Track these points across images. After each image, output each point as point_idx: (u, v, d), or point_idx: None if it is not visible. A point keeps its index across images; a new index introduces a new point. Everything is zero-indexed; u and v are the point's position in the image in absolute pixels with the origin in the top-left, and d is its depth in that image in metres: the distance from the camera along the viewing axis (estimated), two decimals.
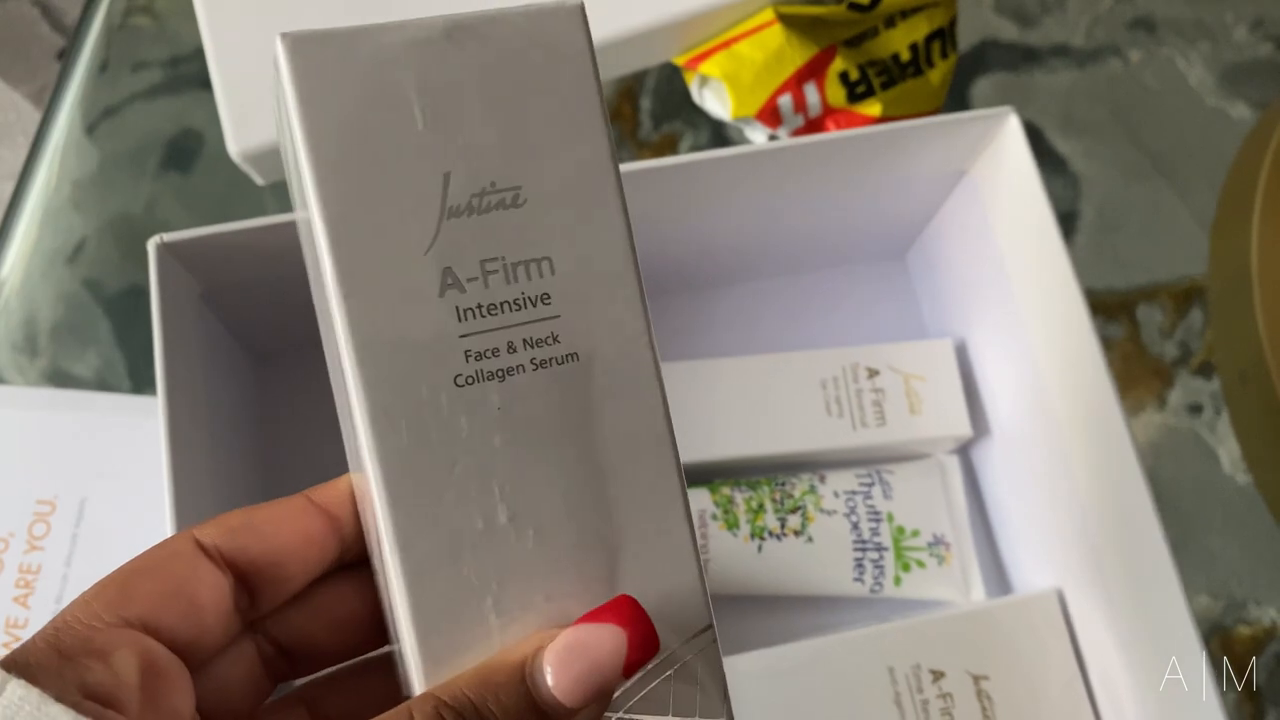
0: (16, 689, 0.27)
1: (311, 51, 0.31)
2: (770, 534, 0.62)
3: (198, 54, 0.81)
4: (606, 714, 0.32)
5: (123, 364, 0.73)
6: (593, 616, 0.31)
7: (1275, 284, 0.68)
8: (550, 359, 0.32)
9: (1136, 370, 0.74)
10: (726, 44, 0.69)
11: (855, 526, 0.63)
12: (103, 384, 0.72)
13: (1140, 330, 0.75)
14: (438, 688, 0.29)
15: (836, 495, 0.64)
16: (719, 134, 0.78)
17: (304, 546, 0.35)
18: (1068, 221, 0.77)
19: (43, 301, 0.75)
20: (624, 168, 0.55)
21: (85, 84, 0.81)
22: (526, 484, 0.32)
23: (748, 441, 0.64)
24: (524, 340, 0.32)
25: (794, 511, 0.63)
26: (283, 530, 0.35)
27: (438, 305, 0.31)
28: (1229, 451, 0.72)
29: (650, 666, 0.32)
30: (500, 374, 0.32)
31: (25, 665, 0.29)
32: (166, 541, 0.35)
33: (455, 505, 0.31)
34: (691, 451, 0.64)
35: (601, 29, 0.67)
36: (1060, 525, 0.61)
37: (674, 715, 0.33)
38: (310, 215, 0.31)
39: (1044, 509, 0.63)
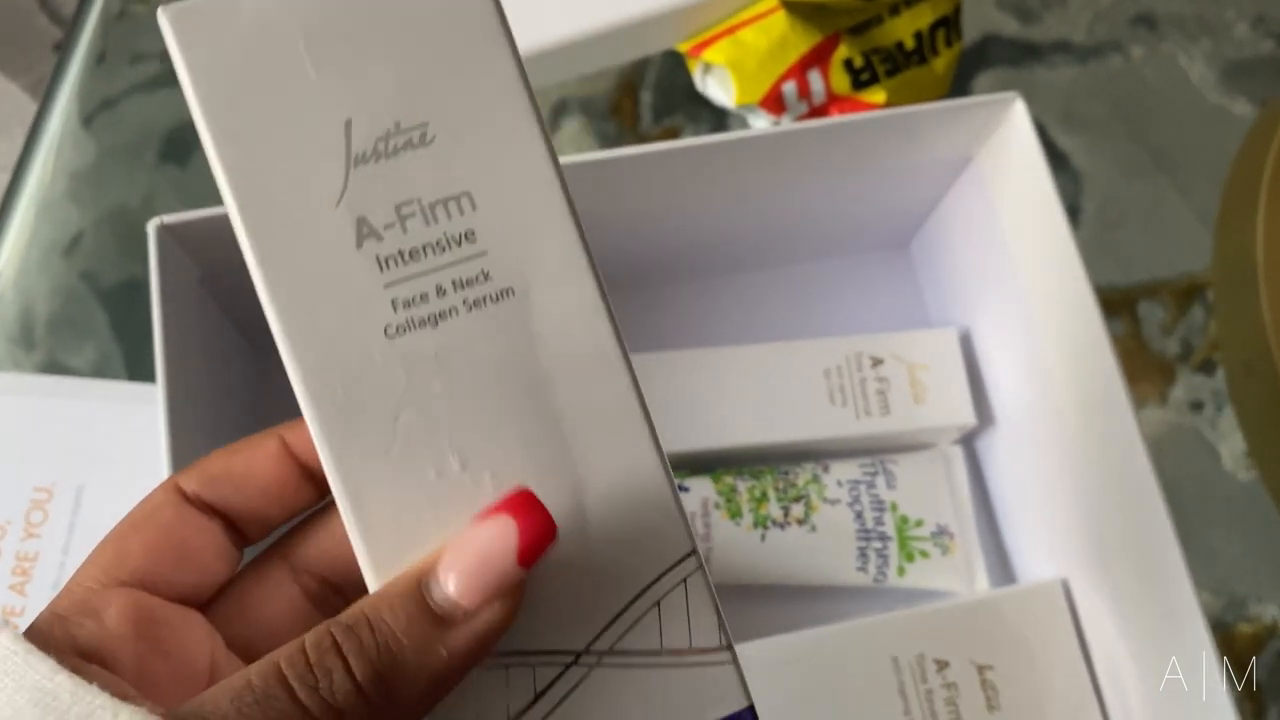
0: (6, 640, 0.28)
1: (193, 20, 0.30)
2: (773, 523, 0.62)
3: None
4: (594, 651, 0.32)
5: (120, 357, 0.73)
6: (482, 515, 0.30)
7: None
8: (484, 297, 0.31)
9: (1138, 367, 0.74)
10: (730, 30, 0.69)
11: (859, 516, 0.63)
12: (99, 376, 0.72)
13: (1142, 327, 0.75)
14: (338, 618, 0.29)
15: (840, 485, 0.64)
16: (721, 127, 0.77)
17: (280, 495, 0.36)
18: (1069, 218, 0.77)
19: (39, 294, 0.74)
20: (623, 153, 0.55)
21: (82, 76, 0.81)
22: (476, 428, 0.31)
23: (751, 430, 0.64)
24: (453, 282, 0.31)
25: (797, 501, 0.63)
26: (258, 481, 0.35)
27: (356, 257, 0.31)
28: (1230, 448, 0.72)
29: (634, 599, 0.32)
30: (432, 319, 0.31)
31: (31, 629, 0.30)
32: (151, 495, 0.35)
33: (404, 459, 0.31)
34: (694, 440, 0.64)
35: (606, 16, 0.67)
36: (1065, 515, 0.61)
37: (666, 648, 0.32)
38: (218, 181, 0.31)
39: (1049, 499, 0.63)
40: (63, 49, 0.83)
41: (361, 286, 0.31)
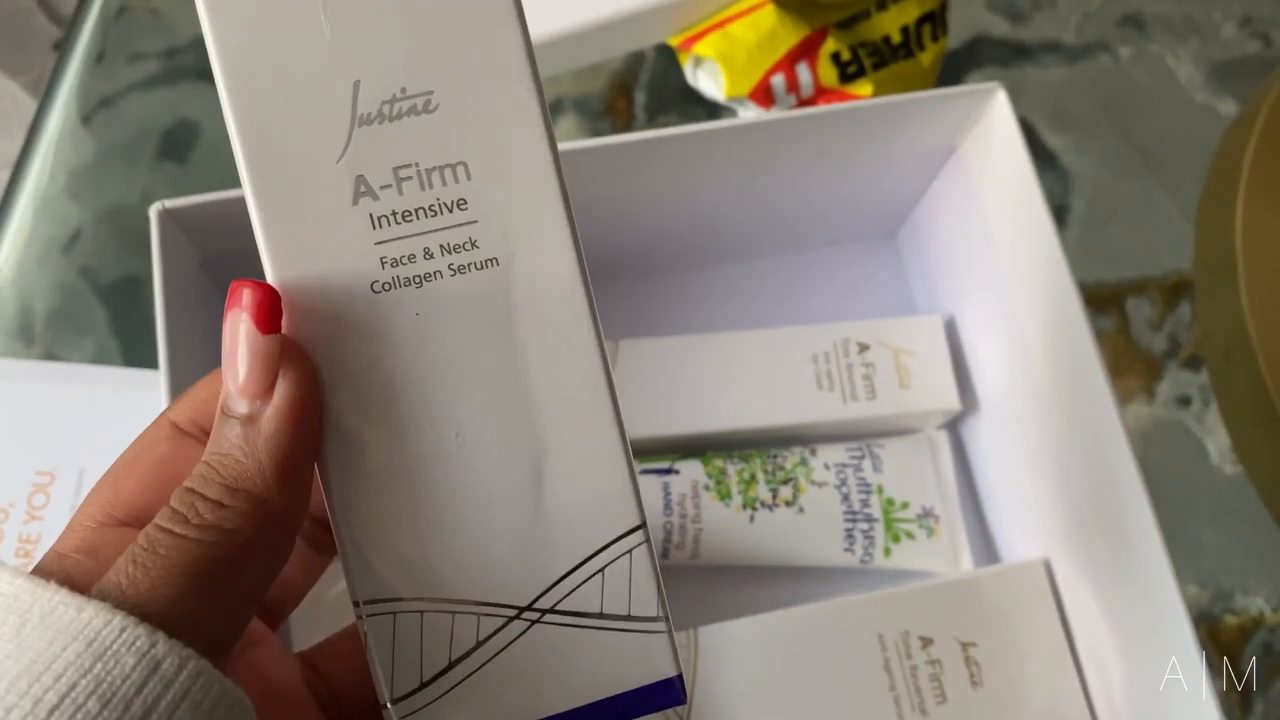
0: (6, 575, 0.29)
1: None
2: (762, 504, 0.63)
3: (194, 45, 0.82)
4: (537, 608, 0.33)
5: (118, 352, 0.73)
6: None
7: (1259, 263, 0.69)
8: (469, 264, 0.32)
9: (1126, 362, 0.75)
10: (720, 24, 0.70)
11: (846, 498, 0.64)
12: None
13: (1129, 323, 0.76)
14: None
15: (827, 468, 0.64)
16: None
17: None
18: (1058, 216, 0.77)
19: (38, 290, 0.75)
20: (613, 141, 0.56)
21: (82, 74, 0.82)
22: (445, 388, 0.32)
23: (740, 414, 0.65)
24: (440, 246, 0.32)
25: (785, 483, 0.63)
26: None
27: (351, 213, 0.32)
28: (1217, 443, 0.72)
29: (581, 563, 0.33)
30: (417, 280, 0.32)
31: (36, 569, 0.31)
32: (146, 431, 0.36)
33: (377, 413, 0.32)
34: (685, 423, 0.65)
35: (597, 10, 0.68)
36: (1047, 497, 0.62)
37: (604, 613, 0.33)
38: (228, 127, 0.31)
39: (1031, 482, 0.63)
40: (62, 47, 0.84)
41: (353, 241, 0.32)
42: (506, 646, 0.33)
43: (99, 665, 0.27)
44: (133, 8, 0.84)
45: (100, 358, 0.73)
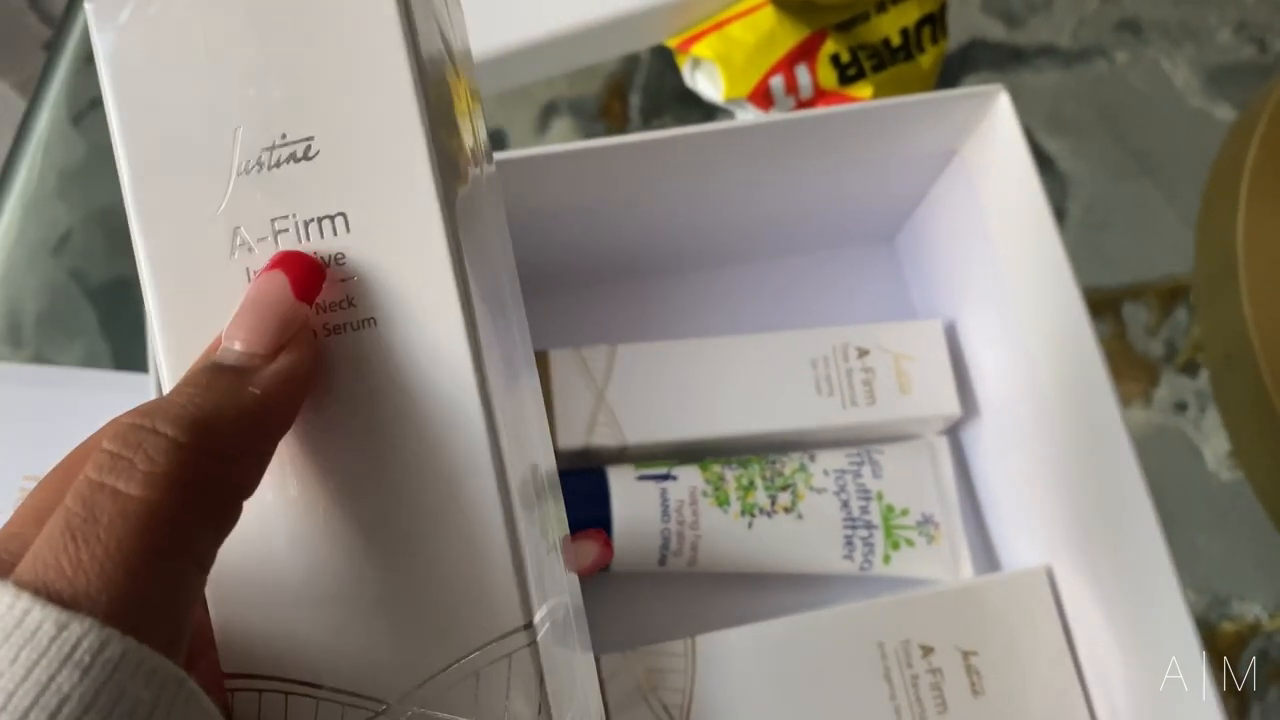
0: None
1: (110, 11, 0.30)
2: (761, 511, 0.62)
3: None
4: (404, 704, 0.31)
5: (109, 355, 0.73)
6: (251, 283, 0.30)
7: (1260, 268, 0.68)
8: (345, 324, 0.30)
9: (1123, 368, 0.75)
10: (719, 26, 0.69)
11: (845, 505, 0.63)
12: None
13: (1126, 328, 0.76)
14: None
15: (826, 474, 0.64)
16: None
17: None
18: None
19: (27, 292, 0.74)
20: (609, 143, 0.55)
21: (72, 75, 0.81)
22: (320, 460, 0.31)
23: (739, 420, 0.64)
24: (316, 305, 0.30)
25: (784, 489, 0.63)
26: None
27: (228, 267, 0.30)
28: (1214, 449, 0.72)
29: (454, 662, 0.31)
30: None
31: None
32: (95, 435, 0.33)
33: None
34: (683, 429, 0.64)
35: (596, 10, 0.67)
36: (1049, 504, 0.61)
37: (480, 716, 0.31)
38: (119, 174, 0.31)
39: (1033, 488, 0.63)
40: (52, 48, 0.83)
41: (229, 298, 0.30)
42: None
43: (51, 680, 0.23)
44: None
45: (90, 360, 0.72)
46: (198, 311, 0.30)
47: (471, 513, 0.31)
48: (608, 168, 0.58)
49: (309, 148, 0.30)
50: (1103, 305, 0.76)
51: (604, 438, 0.63)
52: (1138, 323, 0.76)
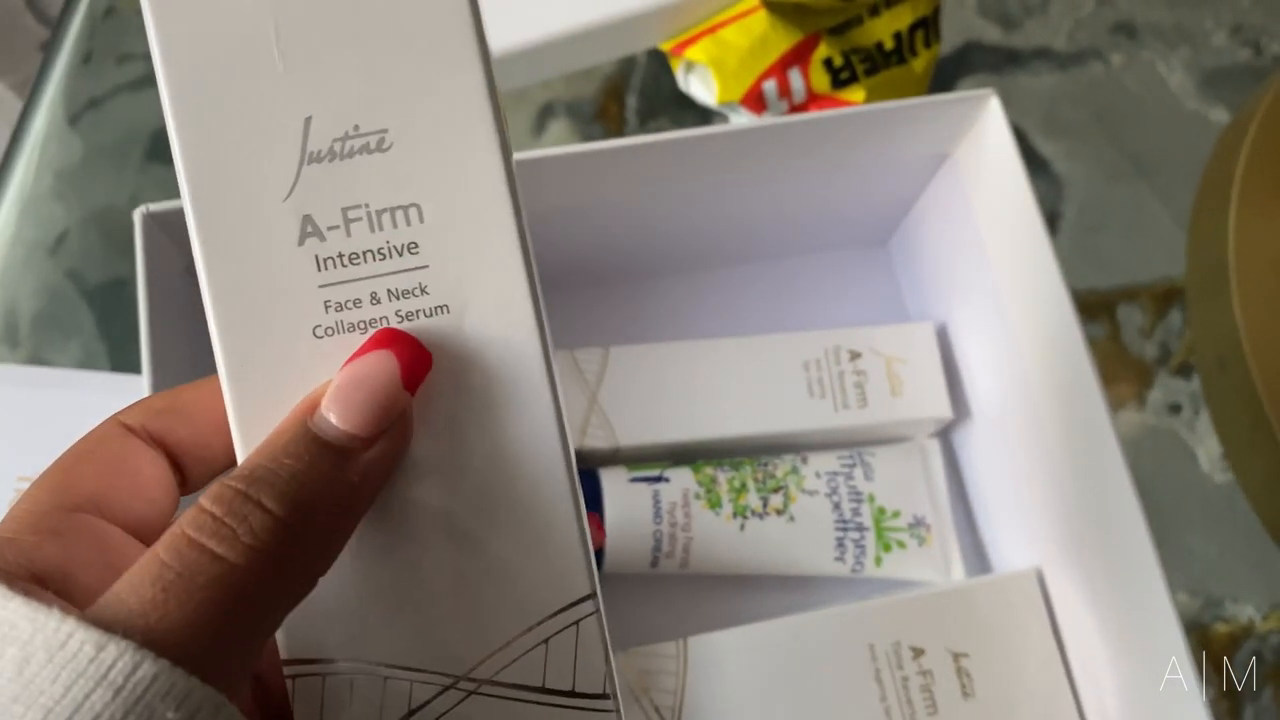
0: None
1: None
2: (753, 513, 0.62)
3: None
4: (474, 678, 0.31)
5: (105, 355, 0.73)
6: (355, 355, 0.30)
7: (1252, 271, 0.68)
8: (418, 311, 0.31)
9: (1117, 370, 0.75)
10: (712, 30, 0.70)
11: (837, 507, 0.63)
12: None
13: (1121, 330, 0.76)
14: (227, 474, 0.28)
15: (818, 476, 0.64)
16: None
17: (226, 426, 0.34)
18: (1049, 222, 0.77)
19: (24, 292, 0.74)
20: (605, 145, 0.56)
21: (69, 75, 0.81)
22: None
23: (731, 422, 0.65)
24: (389, 291, 0.31)
25: (776, 491, 0.63)
26: (205, 410, 0.35)
27: (296, 254, 0.31)
28: (1207, 450, 0.72)
29: (523, 633, 0.32)
30: (363, 325, 0.31)
31: None
32: (95, 429, 0.34)
33: None
34: (675, 431, 0.64)
35: (590, 14, 0.67)
36: (1039, 506, 0.62)
37: (547, 687, 0.32)
38: (175, 160, 0.30)
39: (1023, 491, 0.63)
40: (49, 48, 0.83)
41: (297, 284, 0.31)
42: (440, 717, 0.31)
43: (85, 698, 0.24)
44: (120, 8, 0.83)
45: (87, 361, 0.72)
46: (260, 295, 0.31)
47: (542, 488, 0.32)
48: (602, 171, 0.58)
49: (383, 139, 0.31)
50: (1097, 307, 0.76)
51: (596, 439, 0.63)
52: (1132, 325, 0.76)
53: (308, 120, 0.31)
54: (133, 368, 0.71)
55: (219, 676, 0.25)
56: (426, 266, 0.31)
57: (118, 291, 0.75)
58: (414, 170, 0.31)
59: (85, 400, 0.69)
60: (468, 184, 0.31)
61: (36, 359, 0.72)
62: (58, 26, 0.83)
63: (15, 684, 0.24)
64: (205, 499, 0.27)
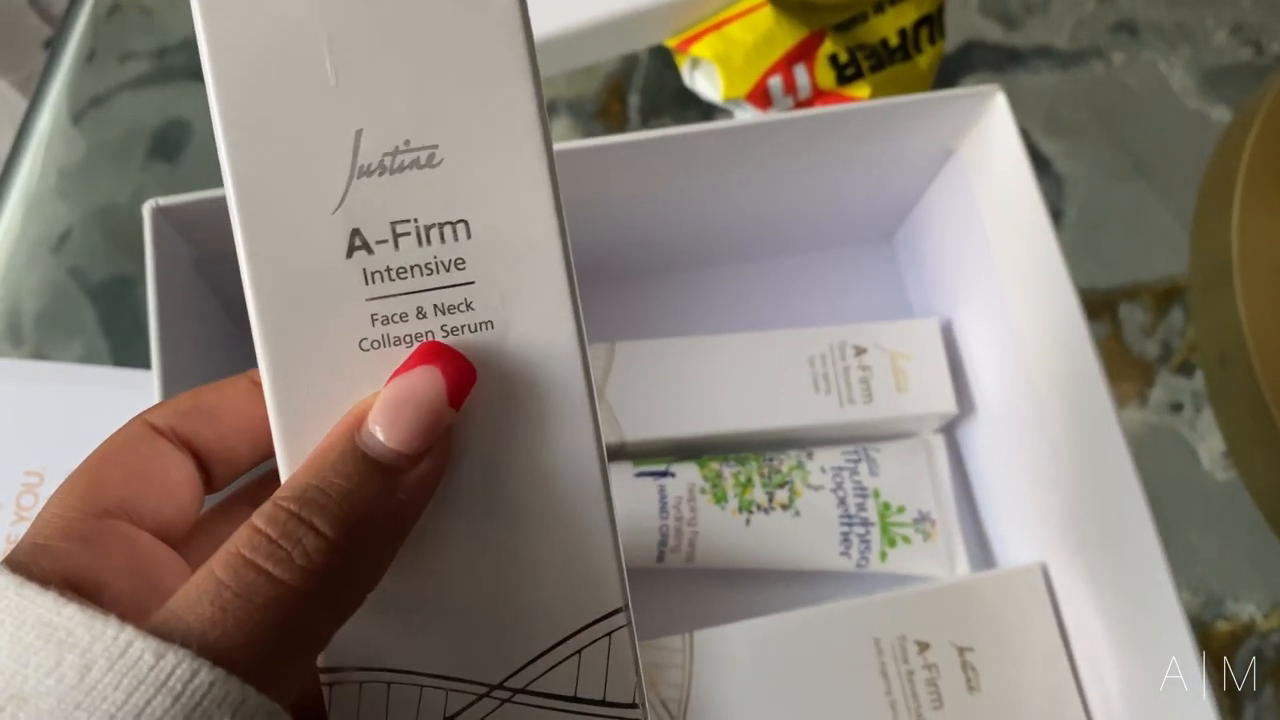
0: (48, 601, 0.26)
1: (223, 6, 0.30)
2: (758, 508, 0.62)
3: (185, 44, 0.82)
4: (508, 687, 0.32)
5: (108, 353, 0.72)
6: (400, 370, 0.30)
7: (1254, 269, 0.69)
8: (463, 326, 0.31)
9: (1119, 368, 0.75)
10: (717, 26, 0.70)
11: (842, 502, 0.63)
12: None
13: (1122, 329, 0.76)
14: (275, 495, 0.28)
15: (824, 471, 0.64)
16: None
17: (252, 428, 0.35)
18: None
19: (27, 290, 0.74)
20: (609, 141, 0.56)
21: (72, 73, 0.81)
22: None
23: (737, 417, 0.65)
24: (435, 306, 0.31)
25: (782, 486, 0.63)
26: (231, 413, 0.35)
27: (344, 267, 0.31)
28: (1209, 449, 0.72)
29: (558, 644, 0.32)
30: (408, 339, 0.31)
31: (9, 561, 0.28)
32: (122, 429, 0.34)
33: None
34: (682, 426, 0.64)
35: (595, 11, 0.68)
36: (1044, 501, 0.62)
37: (579, 696, 0.32)
38: (222, 169, 0.31)
39: (1028, 486, 0.63)
40: (52, 46, 0.83)
41: (344, 297, 0.31)
42: None
43: (146, 704, 0.24)
44: (124, 7, 0.84)
45: (89, 358, 0.72)
46: (306, 308, 0.31)
47: (578, 502, 0.32)
48: (606, 166, 0.58)
49: (433, 155, 0.31)
50: (1099, 306, 0.76)
51: (603, 435, 0.63)
52: (1134, 323, 0.76)
53: (359, 133, 0.31)
54: (135, 364, 0.71)
55: (272, 687, 0.26)
56: (473, 283, 0.31)
57: (121, 289, 0.74)
58: (463, 186, 0.31)
59: (90, 394, 0.69)
60: (515, 202, 0.31)
61: (40, 356, 0.72)
62: (61, 24, 0.83)
63: (77, 691, 0.24)
64: (259, 519, 0.27)
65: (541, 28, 0.67)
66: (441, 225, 0.31)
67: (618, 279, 0.73)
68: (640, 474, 0.62)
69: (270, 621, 0.26)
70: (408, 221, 0.31)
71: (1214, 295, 0.72)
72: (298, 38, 0.30)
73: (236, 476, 0.36)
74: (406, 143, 0.31)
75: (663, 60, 0.81)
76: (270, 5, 0.30)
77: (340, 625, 0.29)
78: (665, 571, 0.65)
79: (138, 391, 0.69)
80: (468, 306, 0.31)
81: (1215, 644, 0.69)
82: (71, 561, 0.29)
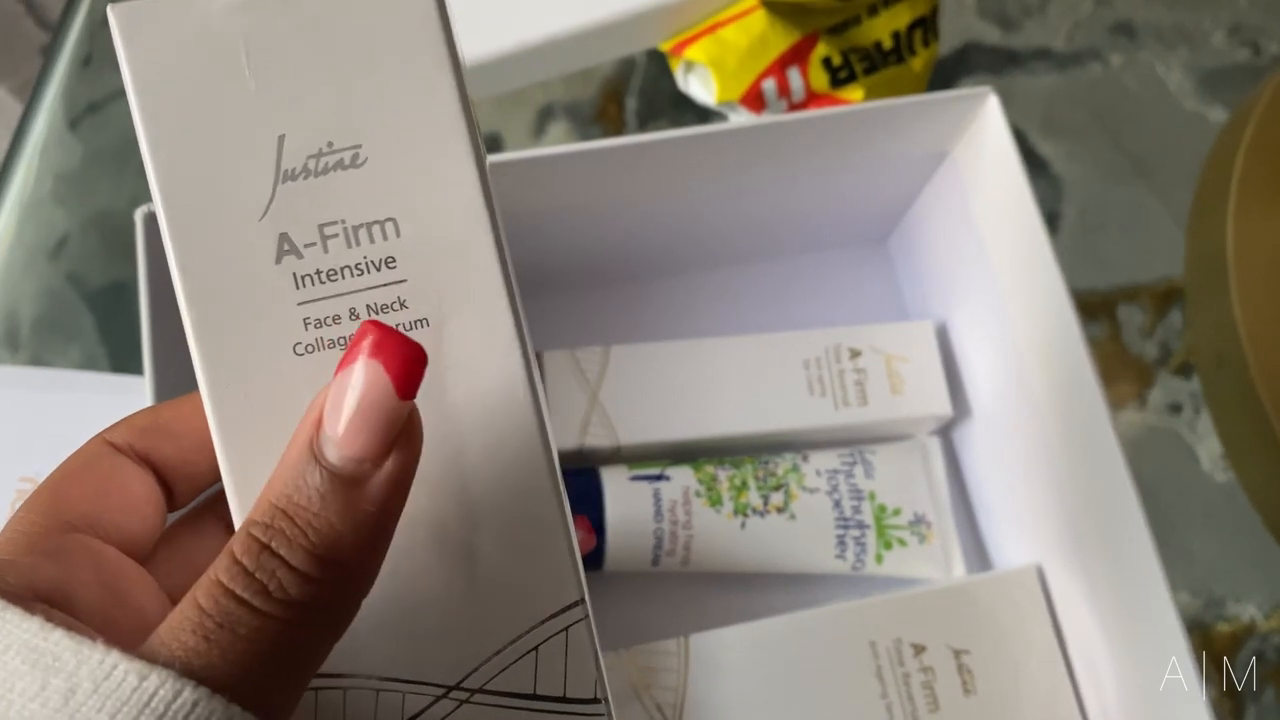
0: (34, 626, 0.26)
1: (139, 19, 0.30)
2: (754, 511, 0.62)
3: None
4: (465, 687, 0.31)
5: (106, 359, 0.73)
6: (340, 365, 0.28)
7: (1250, 270, 0.69)
8: (397, 325, 0.31)
9: (1117, 369, 0.75)
10: (711, 29, 0.70)
11: (837, 505, 0.63)
12: None
13: (1121, 330, 0.76)
14: (247, 517, 0.27)
15: (819, 474, 0.64)
16: None
17: (209, 443, 0.33)
18: (1049, 223, 0.77)
19: (25, 296, 0.74)
20: (604, 144, 0.56)
21: (68, 79, 0.81)
22: None
23: (732, 420, 0.65)
24: (368, 306, 0.31)
25: (777, 489, 0.63)
26: (189, 428, 0.35)
27: (274, 273, 0.30)
28: (1208, 450, 0.72)
29: (513, 641, 0.32)
30: (343, 341, 0.31)
31: None
32: (81, 449, 0.34)
33: None
34: (676, 430, 0.64)
35: (589, 15, 0.68)
36: (1040, 504, 0.62)
37: (538, 694, 0.32)
38: (149, 183, 0.31)
39: (1024, 488, 0.63)
40: (49, 52, 0.83)
41: (275, 303, 0.31)
42: None
43: None
44: None
45: (87, 364, 0.72)
46: (240, 316, 0.31)
47: (527, 497, 0.32)
48: (602, 170, 0.58)
49: (357, 155, 0.31)
50: (1098, 307, 0.76)
51: (597, 438, 0.63)
52: (1132, 325, 0.76)
53: (281, 138, 0.31)
54: (133, 370, 0.71)
55: (264, 710, 0.26)
56: (405, 281, 0.31)
57: (118, 295, 0.75)
58: (389, 185, 0.31)
59: (86, 401, 0.69)
60: (443, 197, 0.31)
61: (37, 363, 0.72)
62: (57, 31, 0.83)
63: (61, 715, 0.24)
64: (236, 546, 0.27)
65: (535, 32, 0.67)
66: (369, 225, 0.31)
67: (613, 282, 0.73)
68: (635, 477, 0.62)
69: (255, 651, 0.26)
70: (335, 223, 0.31)
71: (1210, 296, 0.72)
72: (215, 46, 0.30)
73: (199, 491, 0.36)
74: (330, 144, 0.31)
75: (659, 64, 0.81)
76: (188, 17, 0.30)
77: (338, 640, 0.28)
78: (661, 575, 0.65)
79: (135, 398, 0.68)
80: (401, 305, 0.31)
81: (1216, 645, 0.69)
82: (38, 575, 0.29)
